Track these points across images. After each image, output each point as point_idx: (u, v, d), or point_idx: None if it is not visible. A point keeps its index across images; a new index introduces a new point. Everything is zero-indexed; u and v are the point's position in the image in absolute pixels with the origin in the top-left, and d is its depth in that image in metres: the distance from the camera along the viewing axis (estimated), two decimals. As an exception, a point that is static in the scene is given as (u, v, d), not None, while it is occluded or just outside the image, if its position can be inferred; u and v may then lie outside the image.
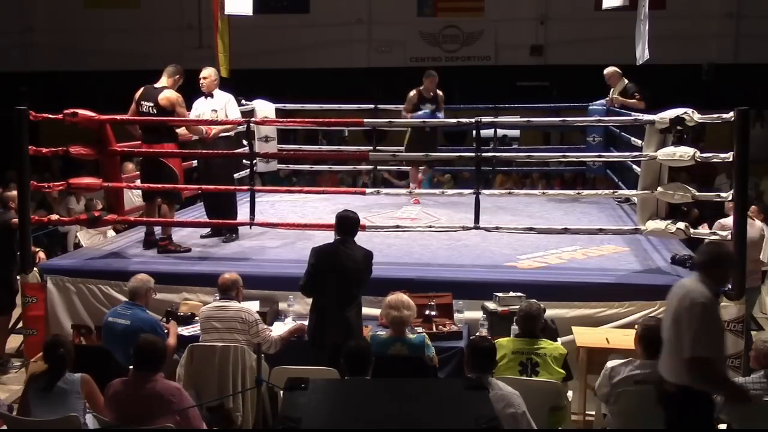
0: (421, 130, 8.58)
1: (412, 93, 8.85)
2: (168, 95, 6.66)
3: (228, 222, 7.22)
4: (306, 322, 5.36)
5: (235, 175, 9.12)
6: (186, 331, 5.55)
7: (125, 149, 6.94)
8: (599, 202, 9.07)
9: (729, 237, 5.74)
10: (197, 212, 8.70)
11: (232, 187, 7.30)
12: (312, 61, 14.98)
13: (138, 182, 7.24)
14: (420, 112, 8.66)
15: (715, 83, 13.87)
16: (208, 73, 7.32)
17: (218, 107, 7.22)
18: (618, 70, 8.90)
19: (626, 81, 8.84)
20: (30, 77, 15.21)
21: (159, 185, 6.73)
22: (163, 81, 6.80)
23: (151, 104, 6.69)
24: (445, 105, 9.06)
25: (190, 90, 7.27)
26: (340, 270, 5.11)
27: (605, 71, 9.04)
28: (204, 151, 7.08)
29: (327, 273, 5.15)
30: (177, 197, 7.20)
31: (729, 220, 6.15)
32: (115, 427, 4.16)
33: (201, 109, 7.26)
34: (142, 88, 6.83)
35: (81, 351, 4.73)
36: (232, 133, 7.62)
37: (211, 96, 7.26)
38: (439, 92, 8.94)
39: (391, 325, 5.00)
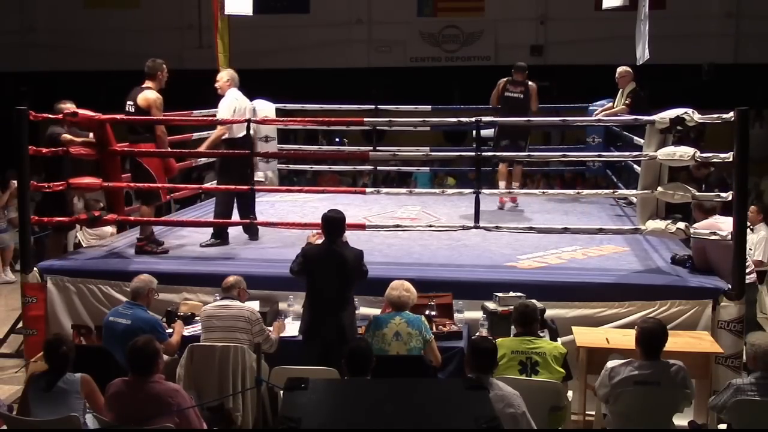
0: None
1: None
2: (147, 95, 6.63)
3: (226, 222, 7.20)
4: (284, 320, 5.59)
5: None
6: (186, 330, 5.55)
7: (125, 149, 6.94)
8: (599, 202, 9.08)
9: (729, 237, 5.73)
10: (197, 212, 8.70)
11: (223, 187, 7.19)
12: (312, 61, 14.97)
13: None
14: None
15: (715, 83, 13.85)
16: (219, 77, 7.35)
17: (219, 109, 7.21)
18: (630, 71, 8.68)
19: (634, 84, 8.67)
20: (30, 77, 15.19)
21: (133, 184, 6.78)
22: (147, 82, 6.76)
23: (131, 103, 6.70)
24: (444, 105, 8.96)
25: (189, 90, 7.24)
26: (331, 271, 5.15)
27: (618, 69, 8.76)
28: (199, 150, 7.07)
29: (318, 275, 5.20)
30: (153, 197, 6.98)
31: (721, 220, 5.98)
32: (115, 427, 4.16)
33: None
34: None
35: (81, 351, 4.73)
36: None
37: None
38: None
39: (392, 306, 5.11)
